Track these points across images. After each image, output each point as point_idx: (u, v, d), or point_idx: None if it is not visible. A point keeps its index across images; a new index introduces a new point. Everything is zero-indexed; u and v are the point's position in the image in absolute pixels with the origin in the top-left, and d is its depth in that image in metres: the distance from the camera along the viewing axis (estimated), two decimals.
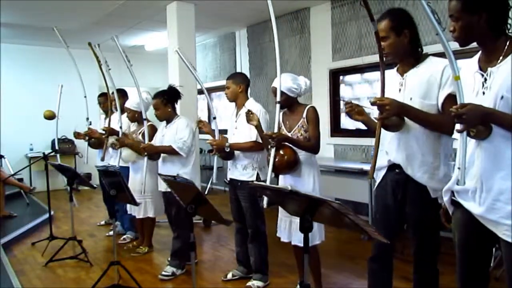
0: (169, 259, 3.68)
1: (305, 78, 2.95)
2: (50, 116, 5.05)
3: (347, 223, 1.61)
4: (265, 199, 2.61)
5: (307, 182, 2.82)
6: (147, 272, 3.71)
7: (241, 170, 3.18)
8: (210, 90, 7.94)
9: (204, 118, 8.06)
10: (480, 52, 1.66)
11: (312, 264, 2.89)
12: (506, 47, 1.55)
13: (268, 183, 2.62)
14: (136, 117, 4.08)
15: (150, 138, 3.78)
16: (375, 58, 2.07)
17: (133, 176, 4.11)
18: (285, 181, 2.88)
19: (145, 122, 3.80)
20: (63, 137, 7.56)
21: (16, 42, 7.49)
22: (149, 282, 3.45)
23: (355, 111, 2.16)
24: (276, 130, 2.75)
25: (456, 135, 1.59)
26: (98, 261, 4.00)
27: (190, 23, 5.49)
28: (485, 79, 1.58)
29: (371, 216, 4.04)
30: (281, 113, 2.87)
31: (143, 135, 4.02)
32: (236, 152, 3.21)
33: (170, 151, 3.52)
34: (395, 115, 1.92)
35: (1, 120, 7.28)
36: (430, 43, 4.42)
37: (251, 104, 3.24)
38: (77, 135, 4.83)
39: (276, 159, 2.70)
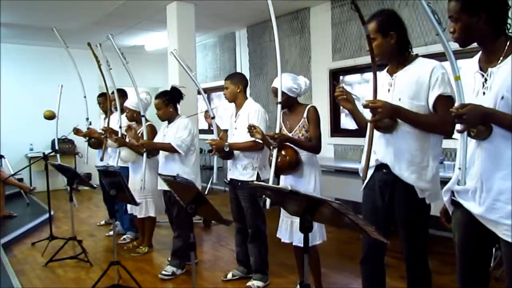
0: (169, 258, 3.68)
1: (304, 78, 2.95)
2: (50, 116, 5.05)
3: (347, 223, 1.61)
4: (268, 199, 2.60)
5: (308, 182, 2.81)
6: (147, 272, 3.71)
7: (241, 170, 3.18)
8: (210, 90, 7.95)
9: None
10: (480, 52, 1.66)
11: (312, 264, 2.90)
12: (506, 47, 1.55)
13: (271, 183, 2.61)
14: (135, 116, 4.09)
15: (149, 138, 3.79)
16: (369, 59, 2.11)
17: (133, 176, 4.11)
18: (286, 182, 2.88)
19: (143, 120, 3.80)
20: (63, 137, 7.53)
21: (16, 42, 7.49)
22: (149, 282, 3.45)
23: (344, 97, 2.18)
24: (277, 131, 2.75)
25: (456, 135, 1.59)
26: (98, 261, 4.00)
27: (190, 23, 5.49)
28: (486, 79, 1.58)
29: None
30: (281, 114, 2.86)
31: (142, 135, 4.03)
32: (236, 152, 3.20)
33: (169, 149, 3.54)
34: (387, 117, 1.94)
35: (1, 120, 7.28)
36: (430, 43, 4.42)
37: (250, 104, 3.25)
38: (76, 131, 4.83)
39: (278, 160, 2.70)
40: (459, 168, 1.52)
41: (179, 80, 5.21)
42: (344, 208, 1.53)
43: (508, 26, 1.58)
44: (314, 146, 2.79)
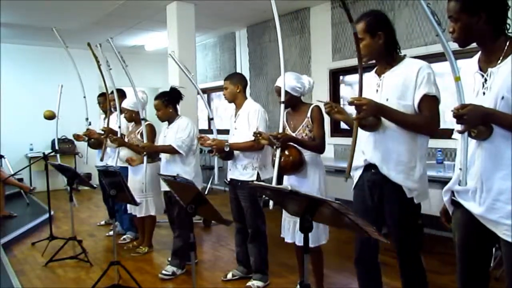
0: (169, 258, 3.68)
1: (308, 77, 2.92)
2: (50, 116, 5.06)
3: (347, 223, 1.61)
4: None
5: (312, 183, 2.78)
6: (147, 272, 3.71)
7: (241, 170, 3.18)
8: (210, 90, 7.96)
9: (204, 118, 8.08)
10: (480, 52, 1.66)
11: (316, 264, 2.89)
12: (506, 48, 1.55)
13: (274, 183, 2.58)
14: (134, 116, 4.10)
15: (148, 138, 3.79)
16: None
17: (132, 176, 4.11)
18: (290, 182, 2.84)
19: (143, 122, 3.81)
20: (63, 137, 7.56)
21: (16, 42, 7.49)
22: (149, 282, 3.45)
23: (335, 110, 2.21)
24: (280, 130, 2.72)
25: (456, 135, 1.59)
26: (98, 261, 4.00)
27: (190, 23, 5.49)
28: (485, 80, 1.58)
29: None
30: (285, 113, 2.85)
31: (141, 134, 4.04)
32: (236, 152, 3.20)
33: (170, 150, 3.54)
34: (372, 115, 1.95)
35: (1, 120, 7.28)
36: (430, 43, 4.43)
37: (250, 104, 3.24)
38: (76, 137, 4.83)
39: (281, 160, 2.66)
40: (460, 169, 1.52)
41: (179, 81, 5.21)
42: (344, 208, 1.53)
43: (508, 26, 1.58)
44: (318, 146, 2.76)
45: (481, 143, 1.56)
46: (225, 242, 4.53)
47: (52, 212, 4.71)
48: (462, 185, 1.51)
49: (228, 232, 4.71)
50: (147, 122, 3.99)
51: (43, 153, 4.64)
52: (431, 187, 3.70)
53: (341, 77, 5.71)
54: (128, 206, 4.16)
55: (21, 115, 7.48)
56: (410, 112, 1.99)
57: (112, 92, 4.29)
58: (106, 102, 4.60)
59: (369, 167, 2.12)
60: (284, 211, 2.89)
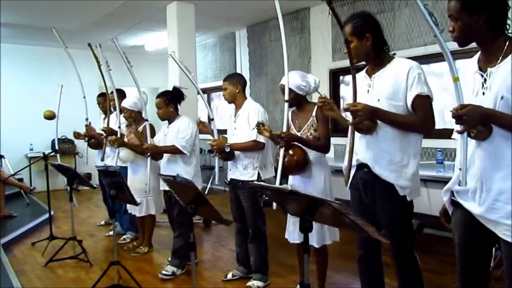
0: (169, 258, 3.68)
1: (314, 76, 2.90)
2: (50, 116, 5.05)
3: (347, 223, 1.61)
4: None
5: (318, 183, 2.76)
6: (147, 272, 3.71)
7: (242, 170, 3.18)
8: (210, 90, 7.96)
9: (204, 118, 8.07)
10: (479, 52, 1.66)
11: (320, 264, 2.89)
12: (505, 47, 1.55)
13: (277, 184, 2.57)
14: (133, 116, 4.11)
15: (151, 137, 3.80)
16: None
17: (132, 176, 4.11)
18: (294, 182, 2.82)
19: (147, 123, 3.81)
20: (63, 137, 7.56)
21: (16, 42, 7.49)
22: (149, 282, 3.45)
23: (327, 107, 2.25)
24: (284, 129, 2.69)
25: (456, 135, 1.59)
26: (98, 261, 4.00)
27: (190, 23, 5.49)
28: (485, 80, 1.58)
29: None
30: (290, 112, 2.84)
31: (141, 133, 4.04)
32: (237, 152, 3.20)
33: (174, 151, 3.53)
34: (367, 119, 1.97)
35: (1, 120, 7.28)
36: (430, 43, 4.43)
37: (250, 104, 3.24)
38: (77, 135, 4.83)
39: (286, 159, 2.63)
40: (460, 169, 1.52)
41: (179, 81, 5.21)
42: (344, 208, 1.53)
43: (508, 26, 1.58)
44: (323, 146, 2.73)
45: (481, 143, 1.56)
46: (225, 242, 4.53)
47: (52, 212, 4.71)
48: (462, 185, 1.51)
49: (228, 232, 4.71)
50: (146, 122, 4.01)
51: (43, 153, 4.64)
52: (431, 187, 3.71)
53: (341, 77, 5.71)
54: (128, 205, 4.16)
55: (21, 115, 7.48)
56: (401, 112, 2.02)
57: (112, 92, 4.29)
58: (106, 102, 4.60)
59: (361, 166, 2.14)
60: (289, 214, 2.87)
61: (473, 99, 1.56)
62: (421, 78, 1.99)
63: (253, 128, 2.87)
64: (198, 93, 3.62)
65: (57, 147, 5.33)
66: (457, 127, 1.51)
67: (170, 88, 3.80)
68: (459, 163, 1.55)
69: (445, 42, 1.49)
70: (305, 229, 1.67)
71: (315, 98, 2.55)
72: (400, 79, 2.01)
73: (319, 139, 2.74)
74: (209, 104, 6.22)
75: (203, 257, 4.11)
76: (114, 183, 3.07)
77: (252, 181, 3.05)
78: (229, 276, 3.43)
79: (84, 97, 4.70)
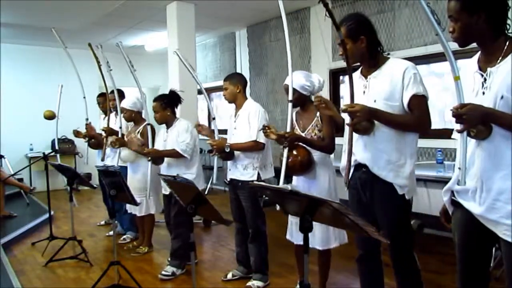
0: (169, 258, 3.68)
1: (318, 76, 2.88)
2: (50, 116, 5.05)
3: (347, 223, 1.61)
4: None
5: (322, 184, 2.74)
6: (147, 272, 3.71)
7: (242, 170, 3.17)
8: (210, 90, 7.95)
9: (204, 118, 8.07)
10: (479, 52, 1.67)
11: (323, 265, 2.89)
12: (505, 47, 1.55)
13: (281, 183, 2.55)
14: (133, 116, 4.11)
15: (152, 140, 3.80)
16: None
17: (132, 176, 4.11)
18: (298, 183, 2.81)
19: (148, 127, 3.81)
20: (63, 137, 7.56)
21: (16, 42, 7.49)
22: (149, 282, 3.45)
23: (323, 106, 2.26)
24: (288, 130, 2.67)
25: (456, 135, 1.59)
26: (98, 261, 4.00)
27: (190, 23, 5.49)
28: (485, 79, 1.58)
29: None
30: (294, 113, 2.83)
31: (141, 134, 4.04)
32: (236, 152, 3.20)
33: (174, 155, 3.53)
34: (365, 120, 1.98)
35: (1, 120, 7.28)
36: (430, 43, 4.43)
37: (250, 104, 3.24)
38: (76, 133, 4.84)
39: (289, 160, 2.61)
40: (459, 168, 1.52)
41: (179, 80, 5.21)
42: (344, 208, 1.53)
43: (508, 26, 1.58)
44: (327, 146, 2.70)
45: (481, 143, 1.56)
46: (225, 242, 4.53)
47: (52, 212, 4.71)
48: (461, 184, 1.51)
49: (228, 232, 4.71)
50: (146, 122, 4.01)
51: (43, 153, 4.64)
52: (431, 187, 3.71)
53: (341, 77, 5.71)
54: (128, 205, 4.16)
55: (21, 115, 7.48)
56: (398, 112, 2.03)
57: (112, 92, 4.29)
58: (106, 102, 4.60)
59: (359, 166, 2.15)
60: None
61: (473, 98, 1.56)
62: (417, 78, 2.00)
63: (260, 129, 2.84)
64: (200, 92, 3.61)
65: (57, 147, 5.33)
66: (457, 126, 1.51)
67: (171, 88, 3.79)
68: (459, 163, 1.55)
69: (447, 41, 1.49)
70: (305, 229, 1.67)
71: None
72: (396, 79, 2.02)
73: (323, 140, 2.71)
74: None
75: (203, 257, 4.11)
76: (114, 183, 3.07)
77: (252, 181, 3.04)
78: (229, 276, 3.43)
79: (84, 97, 4.69)
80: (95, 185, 4.53)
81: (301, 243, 2.75)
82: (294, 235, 2.86)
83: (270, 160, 3.26)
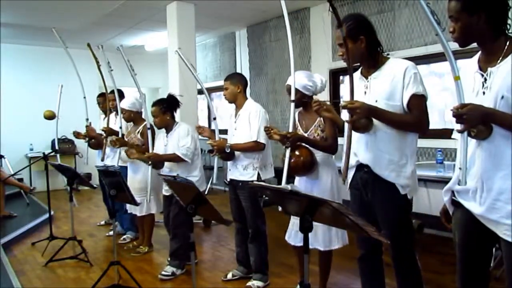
0: (168, 259, 3.68)
1: (320, 76, 2.88)
2: (50, 116, 5.05)
3: (347, 223, 1.61)
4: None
5: (324, 184, 2.73)
6: (147, 272, 3.71)
7: (242, 170, 3.17)
8: (210, 90, 7.94)
9: (205, 118, 8.07)
10: (479, 52, 1.67)
11: (324, 265, 2.89)
12: (506, 47, 1.55)
13: (283, 183, 2.54)
14: (132, 117, 4.11)
15: (152, 140, 3.80)
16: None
17: (132, 176, 4.11)
18: (300, 184, 2.80)
19: (149, 131, 3.80)
20: (63, 137, 7.56)
21: (16, 42, 7.49)
22: (149, 282, 3.45)
23: (323, 108, 2.25)
24: (291, 130, 2.65)
25: (456, 135, 1.59)
26: (98, 261, 4.00)
27: (190, 23, 5.49)
28: (485, 79, 1.58)
29: None
30: (297, 113, 2.82)
31: (141, 134, 4.04)
32: (237, 153, 3.20)
33: (175, 159, 3.53)
34: (365, 117, 1.97)
35: (1, 120, 7.28)
36: (430, 43, 4.43)
37: (251, 104, 3.24)
38: (76, 134, 4.84)
39: (292, 160, 2.60)
40: (460, 168, 1.52)
41: (179, 80, 5.21)
42: (344, 208, 1.53)
43: (508, 26, 1.58)
44: (330, 146, 2.69)
45: (481, 143, 1.56)
46: (225, 242, 4.53)
47: (52, 212, 4.71)
48: (462, 184, 1.52)
49: (228, 232, 4.71)
50: (145, 122, 4.02)
51: (43, 153, 4.64)
52: (431, 187, 3.71)
53: (341, 77, 5.71)
54: (128, 205, 4.16)
55: (21, 115, 7.48)
56: (398, 112, 2.02)
57: (112, 92, 4.29)
58: (106, 102, 4.60)
59: (361, 167, 2.15)
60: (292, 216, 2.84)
61: (474, 98, 1.56)
62: (417, 77, 2.00)
63: (266, 132, 2.83)
64: (201, 91, 3.60)
65: (57, 147, 5.33)
66: (458, 126, 1.51)
67: (171, 89, 3.80)
68: (459, 163, 1.55)
69: (447, 41, 1.49)
70: (305, 229, 1.67)
71: (322, 97, 2.53)
72: (396, 79, 2.02)
73: (326, 140, 2.70)
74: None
75: (203, 257, 4.11)
76: (114, 183, 3.07)
77: (252, 181, 3.04)
78: (229, 276, 3.43)
79: (85, 97, 4.70)
80: (95, 185, 4.53)
81: (299, 244, 2.77)
82: (292, 236, 2.86)
83: (270, 160, 3.26)
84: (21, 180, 6.98)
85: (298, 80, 2.71)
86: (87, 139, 4.70)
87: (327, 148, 2.71)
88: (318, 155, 2.70)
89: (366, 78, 2.14)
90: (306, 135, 2.74)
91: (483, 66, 1.61)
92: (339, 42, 2.09)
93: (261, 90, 6.77)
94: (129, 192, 3.02)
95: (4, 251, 4.26)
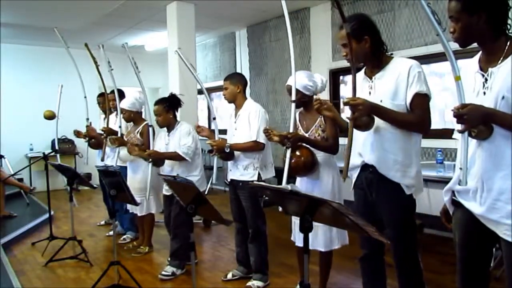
0: (169, 259, 3.68)
1: (321, 75, 2.87)
2: (50, 116, 5.05)
3: (347, 223, 1.61)
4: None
5: (325, 185, 2.73)
6: (147, 272, 3.71)
7: (242, 170, 3.17)
8: (210, 90, 7.94)
9: (205, 118, 8.07)
10: (480, 52, 1.66)
11: (325, 265, 2.89)
12: (506, 48, 1.55)
13: (284, 184, 2.53)
14: (132, 117, 4.11)
15: (149, 137, 3.80)
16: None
17: (132, 176, 4.11)
18: (301, 184, 2.79)
19: (150, 129, 3.80)
20: (63, 137, 7.56)
21: (16, 42, 7.49)
22: (149, 282, 3.45)
23: (324, 107, 2.22)
24: (291, 130, 2.65)
25: (457, 135, 1.59)
26: (98, 261, 4.00)
27: (190, 23, 5.49)
28: (486, 79, 1.58)
29: None
30: (297, 113, 2.81)
31: (141, 134, 4.04)
32: (237, 153, 3.20)
33: (176, 157, 3.54)
34: (367, 114, 1.96)
35: (1, 120, 7.27)
36: (430, 43, 4.43)
37: (250, 104, 3.24)
38: (77, 133, 4.84)
39: (292, 161, 2.59)
40: (460, 168, 1.52)
41: (179, 80, 5.21)
42: (344, 208, 1.53)
43: (509, 26, 1.58)
44: (331, 146, 2.68)
45: (482, 143, 1.56)
46: (225, 242, 4.53)
47: (52, 212, 4.71)
48: (462, 184, 1.51)
49: (228, 232, 4.71)
50: (145, 122, 4.02)
51: (43, 153, 4.64)
52: (431, 187, 3.70)
53: (341, 77, 5.71)
54: (129, 205, 4.16)
55: (21, 115, 7.47)
56: (402, 111, 2.01)
57: (112, 92, 4.29)
58: (106, 102, 4.60)
59: (366, 167, 2.14)
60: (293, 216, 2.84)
61: (474, 98, 1.56)
62: (421, 76, 1.99)
63: (265, 134, 2.82)
64: (201, 91, 3.60)
65: (57, 147, 5.32)
66: (458, 127, 1.51)
67: (171, 88, 3.80)
68: (460, 163, 1.55)
69: (447, 41, 1.49)
70: (305, 229, 1.67)
71: (322, 98, 2.52)
72: (401, 77, 2.01)
73: (327, 140, 2.70)
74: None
75: (203, 257, 4.11)
76: (114, 183, 3.07)
77: (252, 181, 3.04)
78: (229, 276, 3.43)
79: (85, 97, 4.70)
80: (95, 185, 4.53)
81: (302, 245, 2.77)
82: (297, 236, 2.85)
83: (270, 160, 3.26)
84: (21, 180, 6.98)
85: (298, 80, 2.69)
86: (87, 138, 4.69)
87: (328, 148, 2.70)
88: (319, 155, 2.70)
89: (370, 78, 2.13)
90: (306, 135, 2.74)
91: (484, 66, 1.61)
92: (343, 42, 2.07)
93: (261, 90, 6.77)
94: (129, 192, 3.02)
95: (4, 251, 4.26)
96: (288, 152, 2.60)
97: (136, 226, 4.54)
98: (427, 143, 4.39)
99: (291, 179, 2.72)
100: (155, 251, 4.25)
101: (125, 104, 4.09)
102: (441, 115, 4.54)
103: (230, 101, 3.30)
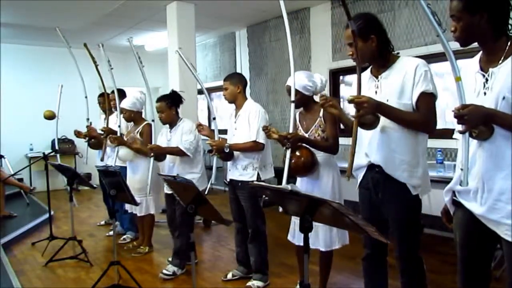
0: (169, 258, 3.68)
1: (320, 75, 2.86)
2: (50, 116, 5.05)
3: (348, 223, 1.61)
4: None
5: (325, 185, 2.73)
6: (147, 272, 3.71)
7: (242, 171, 3.17)
8: (210, 90, 7.94)
9: (204, 118, 8.07)
10: (481, 52, 1.66)
11: (325, 265, 2.89)
12: (507, 48, 1.55)
13: (284, 184, 2.52)
14: (132, 116, 4.11)
15: (150, 137, 3.79)
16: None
17: (131, 175, 4.11)
18: (302, 184, 2.79)
19: (152, 127, 3.80)
20: (63, 137, 7.56)
21: (16, 42, 7.48)
22: (149, 282, 3.45)
23: (329, 104, 2.20)
24: (291, 130, 2.65)
25: (457, 135, 1.59)
26: (98, 261, 4.00)
27: (190, 23, 5.49)
28: (486, 80, 1.58)
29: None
30: (297, 113, 2.80)
31: (141, 134, 4.04)
32: (236, 153, 3.20)
33: (177, 152, 3.55)
34: (371, 113, 1.93)
35: (1, 120, 7.27)
36: (430, 43, 4.43)
37: (250, 104, 3.24)
38: (77, 133, 4.84)
39: (292, 161, 2.58)
40: (461, 169, 1.52)
41: (179, 80, 5.21)
42: (344, 208, 1.53)
43: (510, 26, 1.58)
44: (331, 146, 2.68)
45: (482, 143, 1.56)
46: (225, 242, 4.53)
47: (52, 212, 4.71)
48: (463, 185, 1.51)
49: (228, 232, 4.71)
50: (145, 122, 4.01)
51: (43, 153, 4.64)
52: (431, 187, 3.70)
53: (341, 77, 5.71)
54: (128, 205, 4.16)
55: (21, 115, 7.47)
56: (409, 110, 2.00)
57: (112, 92, 4.28)
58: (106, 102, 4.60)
59: (373, 167, 2.12)
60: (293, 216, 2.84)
61: (475, 99, 1.56)
62: (428, 75, 1.98)
63: (264, 131, 2.82)
64: (202, 91, 3.60)
65: (57, 147, 5.33)
66: (459, 127, 1.51)
67: (171, 88, 3.80)
68: (460, 163, 1.55)
69: (447, 41, 1.49)
70: (305, 229, 1.67)
71: None
72: (408, 76, 1.99)
73: (327, 140, 2.70)
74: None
75: (203, 257, 4.11)
76: (114, 183, 3.06)
77: (252, 181, 3.04)
78: (229, 276, 3.43)
79: (86, 97, 4.70)
80: (95, 185, 4.53)
81: (302, 244, 2.77)
82: (296, 236, 2.86)
83: (270, 160, 3.26)
84: (21, 180, 6.98)
85: (298, 80, 2.69)
86: (87, 139, 4.69)
87: (328, 148, 2.70)
88: (319, 155, 2.69)
89: (377, 77, 2.11)
90: (306, 135, 2.73)
91: (484, 67, 1.61)
92: (349, 41, 2.04)
93: (261, 90, 6.77)
94: (129, 192, 3.02)
95: (4, 251, 4.26)
96: (288, 152, 2.59)
97: (136, 226, 4.54)
98: (427, 143, 4.39)
99: (291, 179, 2.71)
100: (155, 251, 4.25)
101: (125, 104, 4.09)
102: (442, 115, 4.53)
103: (230, 101, 3.30)
